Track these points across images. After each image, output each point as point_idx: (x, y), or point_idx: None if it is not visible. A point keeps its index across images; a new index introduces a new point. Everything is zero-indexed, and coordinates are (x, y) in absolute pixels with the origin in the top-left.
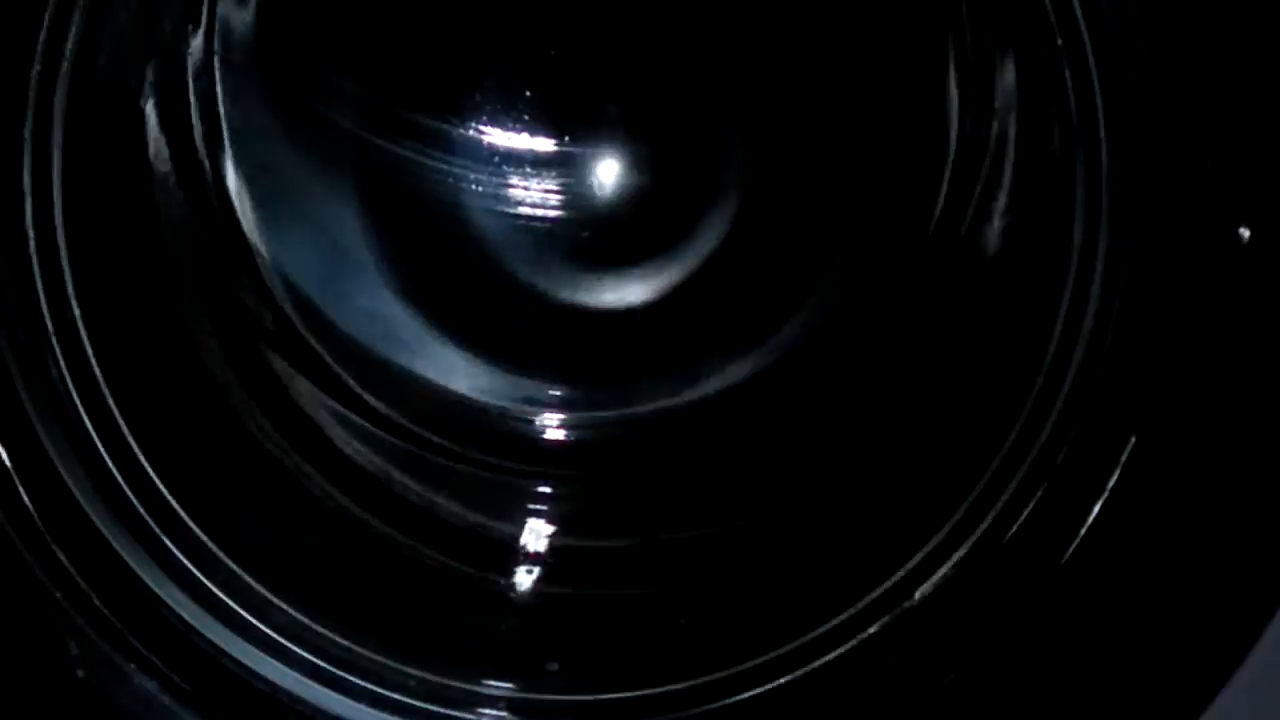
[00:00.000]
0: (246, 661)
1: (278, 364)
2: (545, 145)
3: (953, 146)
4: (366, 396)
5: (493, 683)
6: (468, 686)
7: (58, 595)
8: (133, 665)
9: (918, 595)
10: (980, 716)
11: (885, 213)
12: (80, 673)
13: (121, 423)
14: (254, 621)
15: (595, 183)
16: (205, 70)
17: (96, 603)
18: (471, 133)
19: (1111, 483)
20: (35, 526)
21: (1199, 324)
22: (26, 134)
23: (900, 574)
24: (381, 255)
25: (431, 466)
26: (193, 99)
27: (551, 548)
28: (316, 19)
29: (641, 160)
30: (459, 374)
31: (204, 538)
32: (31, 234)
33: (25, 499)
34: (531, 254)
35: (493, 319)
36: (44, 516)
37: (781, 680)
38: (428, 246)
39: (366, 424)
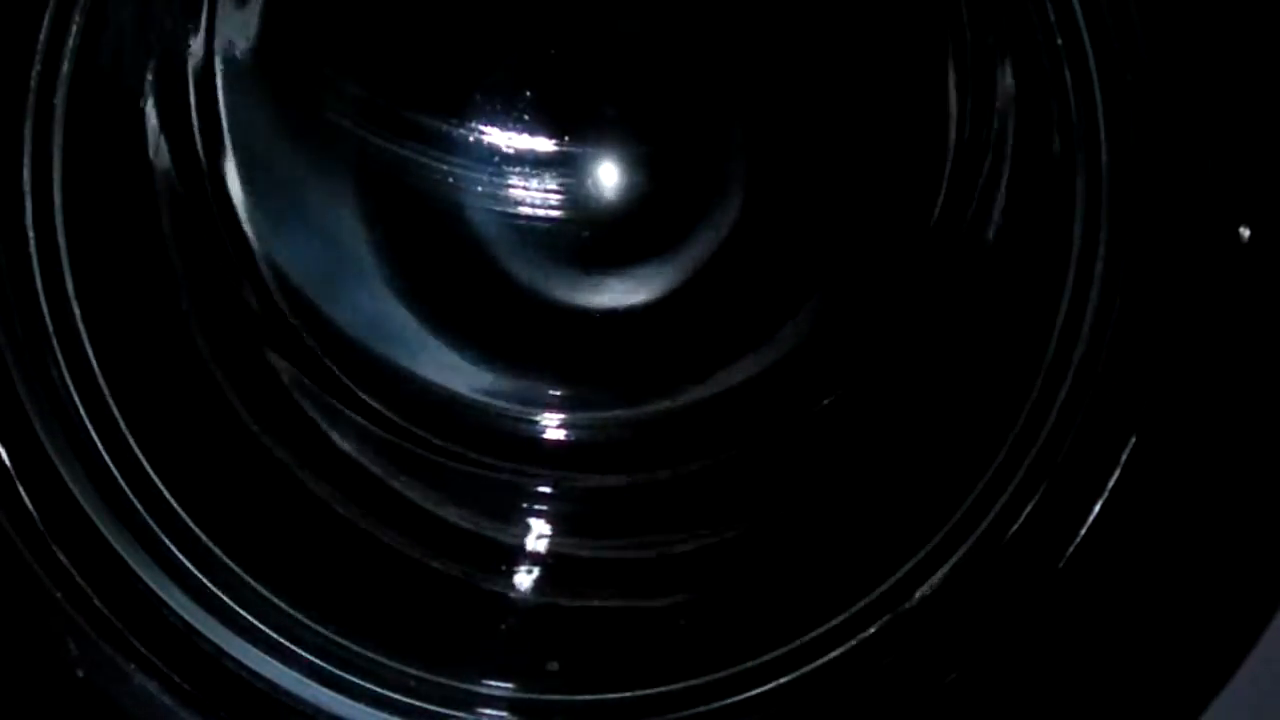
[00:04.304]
0: (246, 661)
1: (277, 363)
2: (545, 145)
3: (952, 146)
4: (366, 396)
5: (493, 683)
6: (468, 686)
7: (58, 595)
8: (133, 665)
9: (917, 596)
10: (980, 716)
11: (885, 213)
12: (80, 673)
13: (121, 423)
14: (254, 621)
15: (596, 183)
16: (205, 70)
17: (96, 603)
18: (472, 133)
19: (1111, 483)
20: (35, 526)
21: (1199, 324)
22: (26, 134)
23: (900, 574)
24: (381, 255)
25: (431, 466)
26: (193, 99)
27: (551, 548)
28: (317, 18)
29: (642, 160)
30: (459, 374)
31: (204, 538)
32: (31, 234)
33: (25, 499)
34: (532, 254)
35: (493, 319)
36: (44, 516)
37: (781, 680)
38: (428, 246)
39: (366, 424)
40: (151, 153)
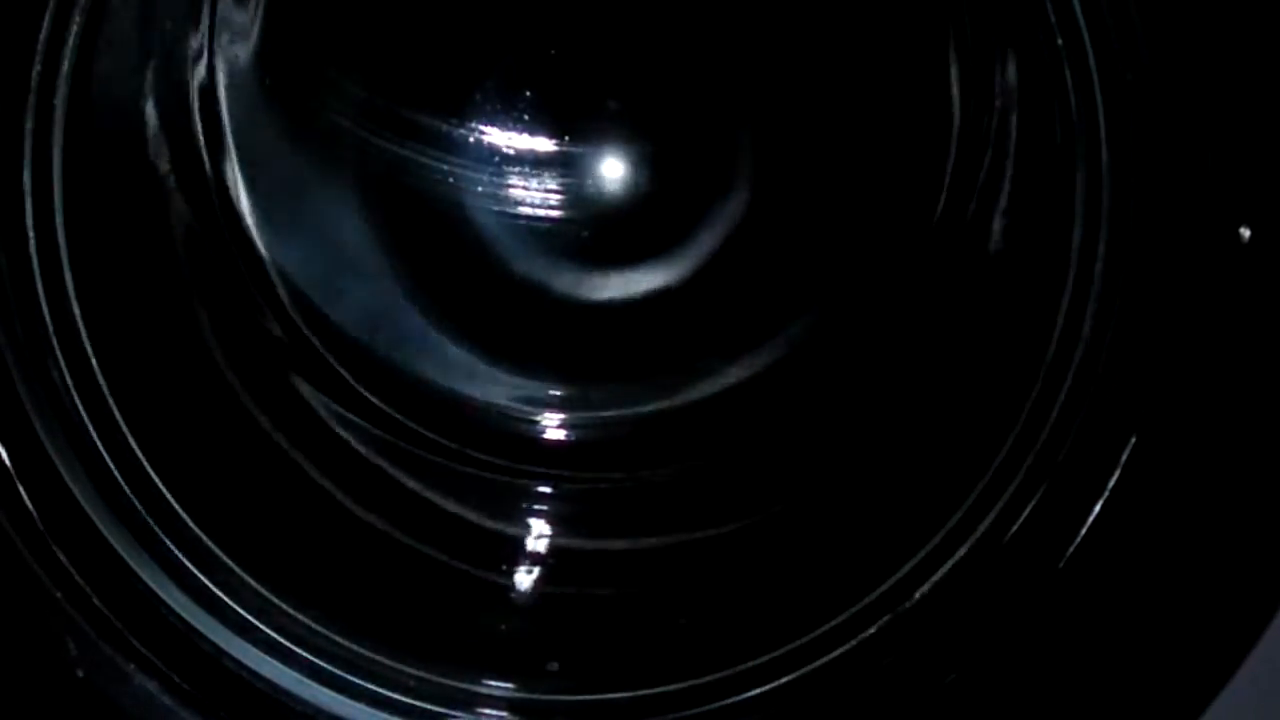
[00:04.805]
0: (246, 661)
1: (278, 363)
2: (546, 145)
3: (953, 146)
4: (367, 395)
5: (493, 683)
6: (468, 686)
7: (58, 595)
8: (133, 665)
9: (917, 596)
10: (980, 716)
11: (886, 212)
12: (80, 673)
13: (121, 423)
14: (254, 621)
15: (596, 182)
16: (206, 70)
17: (96, 603)
18: (472, 133)
19: (1111, 483)
20: (35, 526)
21: (1199, 324)
22: (27, 134)
23: (900, 574)
24: (382, 254)
25: (432, 466)
26: (193, 98)
27: (551, 548)
28: (317, 18)
29: (642, 160)
30: (460, 373)
31: (204, 538)
32: (31, 234)
33: (25, 499)
34: (532, 254)
35: (493, 318)
36: (44, 516)
37: (781, 680)
38: (429, 246)
39: (366, 423)
40: (152, 154)
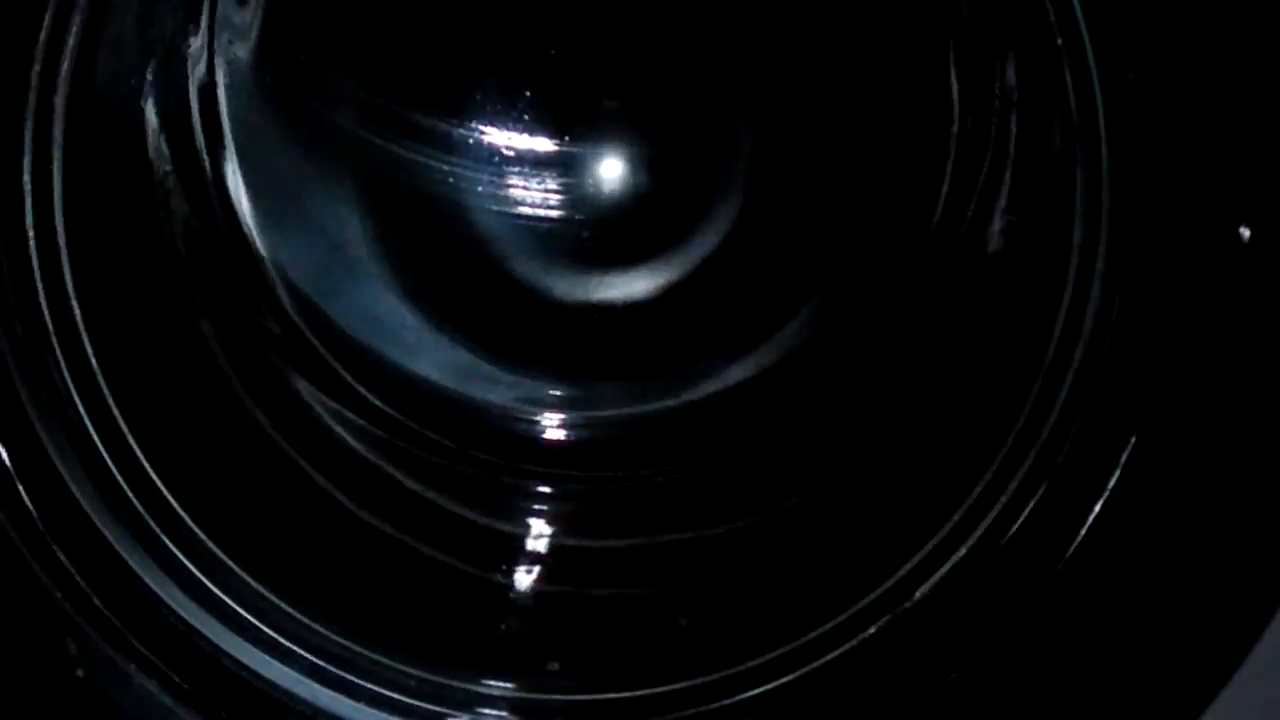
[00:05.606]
0: (246, 661)
1: (278, 363)
2: (545, 145)
3: (953, 145)
4: (367, 395)
5: (493, 683)
6: (468, 686)
7: (58, 595)
8: (133, 665)
9: (917, 596)
10: (980, 716)
11: (886, 212)
12: (80, 673)
13: (121, 423)
14: (254, 621)
15: (596, 182)
16: (205, 69)
17: (96, 603)
18: (472, 133)
19: (1111, 483)
20: (35, 526)
21: (1199, 324)
22: (27, 133)
23: (900, 574)
24: (382, 254)
25: (432, 466)
26: (193, 98)
27: (551, 547)
28: (317, 18)
29: (641, 160)
30: (460, 373)
31: (204, 538)
32: (31, 234)
33: (25, 499)
34: (532, 254)
35: (493, 318)
36: (44, 516)
37: (781, 680)
38: (428, 246)
39: (366, 423)
40: (151, 153)
